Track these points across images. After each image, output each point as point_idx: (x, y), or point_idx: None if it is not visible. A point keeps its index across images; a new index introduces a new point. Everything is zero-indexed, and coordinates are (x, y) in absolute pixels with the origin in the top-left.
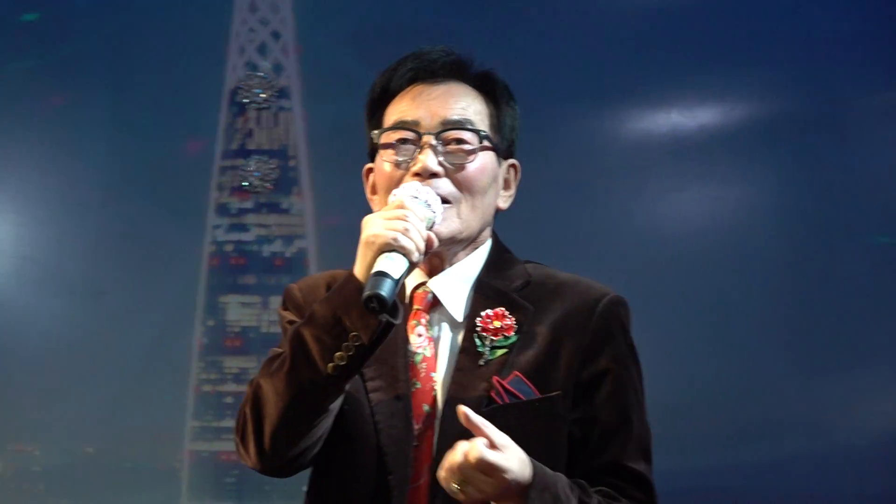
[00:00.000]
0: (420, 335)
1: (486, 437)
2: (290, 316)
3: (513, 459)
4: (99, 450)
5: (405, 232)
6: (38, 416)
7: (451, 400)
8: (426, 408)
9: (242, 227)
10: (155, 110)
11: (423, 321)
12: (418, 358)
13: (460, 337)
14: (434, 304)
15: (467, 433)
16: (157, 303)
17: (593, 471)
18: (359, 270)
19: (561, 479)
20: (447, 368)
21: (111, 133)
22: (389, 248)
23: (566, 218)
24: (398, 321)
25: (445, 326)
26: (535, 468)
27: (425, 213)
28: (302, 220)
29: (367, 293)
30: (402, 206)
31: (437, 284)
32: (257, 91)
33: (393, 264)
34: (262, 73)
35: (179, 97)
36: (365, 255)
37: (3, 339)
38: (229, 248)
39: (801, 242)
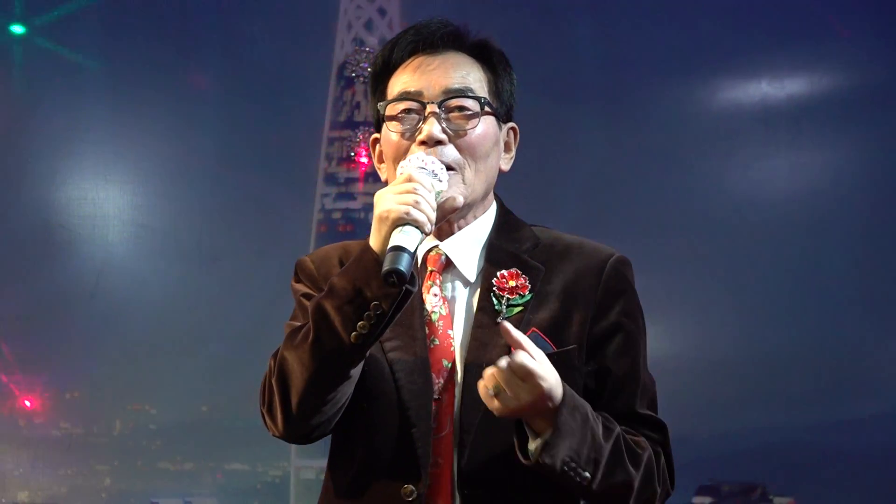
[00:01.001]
0: (435, 295)
1: (525, 349)
2: (303, 288)
3: (550, 372)
4: (212, 408)
5: (416, 205)
6: (155, 376)
7: (474, 356)
8: (445, 363)
9: (350, 196)
10: (267, 84)
11: (437, 282)
12: (435, 317)
13: (474, 296)
14: (447, 265)
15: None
16: (268, 268)
17: (611, 416)
18: (375, 243)
19: (587, 406)
20: (464, 325)
21: (225, 106)
22: (403, 221)
23: (659, 184)
24: (416, 289)
25: (458, 286)
26: (566, 388)
27: (433, 183)
28: None
29: (386, 268)
30: (410, 179)
31: (449, 247)
32: (364, 65)
33: (407, 238)
34: (368, 49)
35: (290, 72)
36: (380, 230)
37: (121, 304)
38: (337, 215)
39: (885, 208)
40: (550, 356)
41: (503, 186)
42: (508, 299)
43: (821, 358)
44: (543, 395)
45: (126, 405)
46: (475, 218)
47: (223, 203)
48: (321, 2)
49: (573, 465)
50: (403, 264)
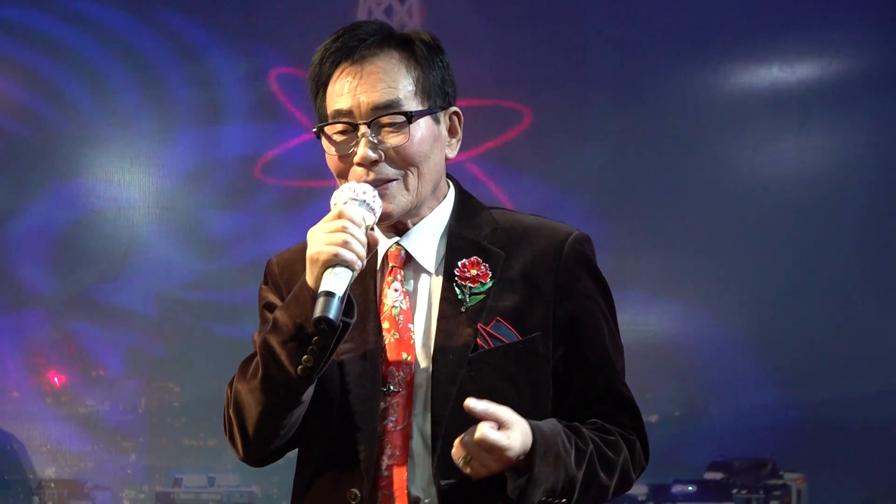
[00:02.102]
0: (396, 290)
1: (492, 418)
2: (268, 296)
3: (515, 437)
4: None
5: (345, 245)
6: (179, 355)
7: (439, 347)
8: (405, 356)
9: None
10: (286, 70)
11: (398, 277)
12: (396, 311)
13: (436, 286)
14: (407, 259)
15: (457, 377)
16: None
17: (583, 402)
18: (310, 281)
19: (559, 435)
20: (425, 317)
21: (248, 91)
22: (333, 263)
23: (672, 167)
24: (353, 320)
25: (420, 278)
26: (535, 434)
27: (364, 215)
28: None
29: (315, 316)
30: (340, 216)
31: (408, 241)
32: None
33: (337, 281)
34: None
35: (309, 60)
36: (311, 271)
37: (146, 285)
38: None
39: (891, 190)
40: (515, 345)
41: (521, 172)
42: (470, 288)
43: (830, 336)
44: (512, 460)
45: (151, 383)
46: (430, 209)
47: (247, 186)
48: None
49: (549, 499)
50: (331, 311)
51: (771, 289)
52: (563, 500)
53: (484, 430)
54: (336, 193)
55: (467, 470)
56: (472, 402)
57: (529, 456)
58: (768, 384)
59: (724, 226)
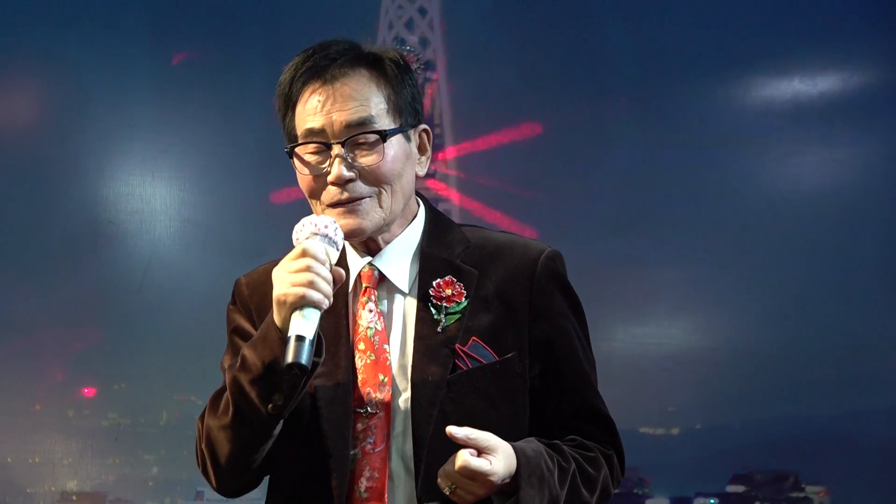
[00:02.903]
0: (371, 311)
1: (474, 446)
2: (237, 318)
3: (499, 462)
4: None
5: (311, 285)
6: (200, 368)
7: (417, 369)
8: (381, 377)
9: None
10: None
11: (372, 297)
12: (371, 332)
13: (409, 306)
14: (381, 279)
15: (436, 398)
16: None
17: (560, 419)
18: (278, 321)
19: (542, 456)
20: (401, 338)
21: (269, 104)
22: (300, 304)
23: (694, 180)
24: (322, 358)
25: (395, 299)
26: (519, 457)
27: (327, 251)
28: (446, 184)
29: (287, 362)
30: (304, 254)
31: (380, 261)
32: None
33: (306, 323)
34: (409, 48)
35: None
36: (279, 312)
37: (168, 297)
38: None
39: None
40: (493, 365)
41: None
42: (446, 308)
43: (852, 348)
44: (496, 485)
45: (173, 396)
46: (401, 228)
47: (268, 198)
48: (362, 3)
49: None
50: (303, 357)
51: (793, 301)
52: None
53: (465, 458)
54: (297, 228)
55: (455, 499)
56: (453, 430)
57: (514, 479)
58: (790, 397)
59: (746, 239)
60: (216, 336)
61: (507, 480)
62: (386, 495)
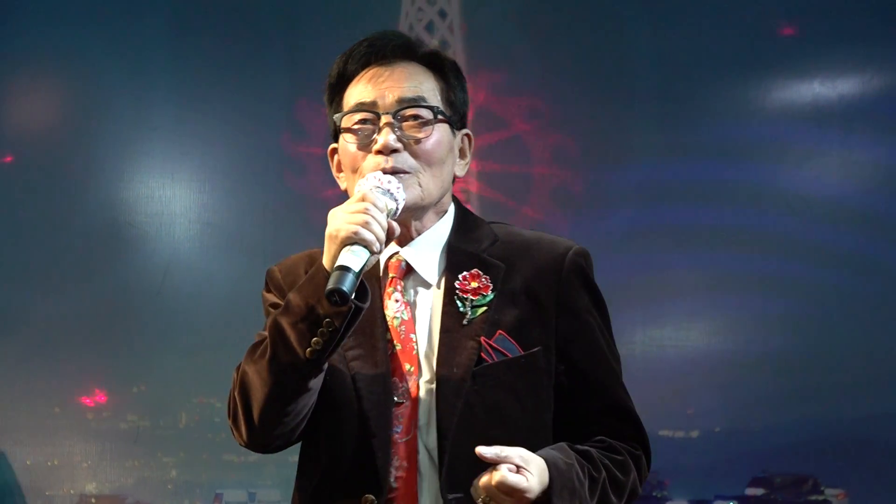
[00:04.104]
0: (397, 301)
1: (508, 462)
2: (272, 298)
3: (533, 477)
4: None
5: (366, 225)
6: (220, 371)
7: (443, 361)
8: (408, 367)
9: None
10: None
11: (398, 288)
12: (397, 322)
13: (436, 299)
14: (408, 270)
15: (461, 390)
16: None
17: (588, 416)
18: (326, 261)
19: (574, 467)
20: (427, 329)
21: (289, 106)
22: (351, 241)
23: (714, 183)
24: (367, 305)
25: (420, 290)
26: (551, 471)
27: (387, 203)
28: (466, 183)
29: (328, 288)
30: (363, 199)
31: (409, 252)
32: None
33: (354, 257)
34: None
35: None
36: (329, 249)
37: (187, 300)
38: None
39: None
40: (518, 359)
41: (559, 188)
42: (472, 300)
43: (872, 352)
44: (528, 500)
45: (192, 398)
46: (433, 222)
47: (288, 201)
48: (382, 4)
49: None
50: (346, 284)
51: (813, 304)
52: None
53: (504, 474)
54: (360, 181)
55: None
56: (482, 450)
57: (546, 493)
58: (810, 400)
59: (765, 242)
60: (235, 338)
61: (541, 496)
62: (416, 485)
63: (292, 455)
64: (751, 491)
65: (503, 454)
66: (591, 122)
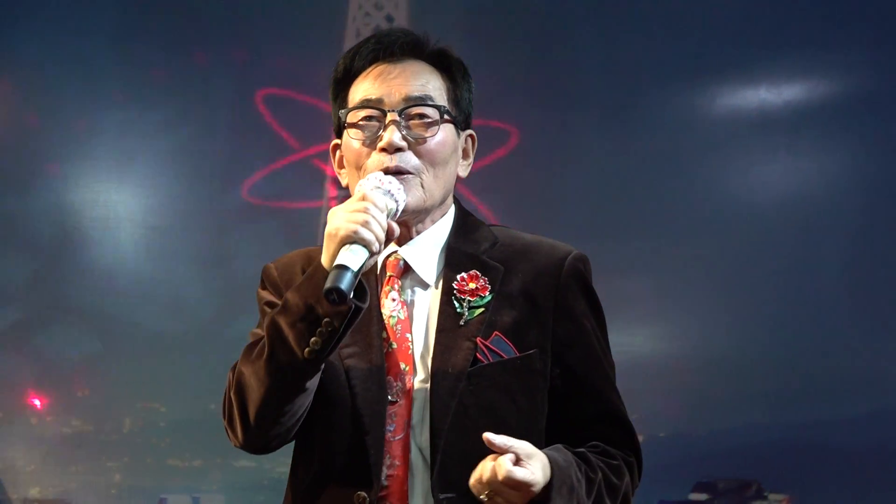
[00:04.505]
0: (394, 300)
1: (513, 452)
2: (267, 296)
3: (537, 470)
4: (220, 406)
5: (365, 224)
6: (164, 375)
7: (438, 361)
8: (403, 366)
9: None
10: (277, 89)
11: (395, 287)
12: (393, 321)
13: (433, 299)
14: (405, 270)
15: (456, 390)
16: None
17: (583, 420)
18: (325, 261)
19: (572, 466)
20: (424, 329)
21: (236, 111)
22: (351, 240)
23: (660, 188)
24: (366, 305)
25: (418, 290)
26: (552, 467)
27: (387, 203)
28: None
29: (326, 287)
30: (364, 198)
31: (408, 251)
32: None
33: (353, 256)
34: None
35: (299, 77)
36: (328, 247)
37: (132, 304)
38: None
39: (880, 212)
40: (514, 360)
41: (508, 191)
42: (469, 301)
43: (815, 357)
44: (533, 493)
45: (136, 403)
46: (433, 222)
47: (234, 206)
48: (330, 9)
49: None
50: (344, 283)
51: (758, 310)
52: None
53: (509, 468)
54: (361, 182)
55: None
56: (491, 437)
57: (546, 489)
58: (754, 405)
59: (712, 247)
60: (180, 344)
61: (541, 491)
62: (407, 484)
63: (236, 460)
64: (694, 496)
65: (510, 444)
66: (539, 128)
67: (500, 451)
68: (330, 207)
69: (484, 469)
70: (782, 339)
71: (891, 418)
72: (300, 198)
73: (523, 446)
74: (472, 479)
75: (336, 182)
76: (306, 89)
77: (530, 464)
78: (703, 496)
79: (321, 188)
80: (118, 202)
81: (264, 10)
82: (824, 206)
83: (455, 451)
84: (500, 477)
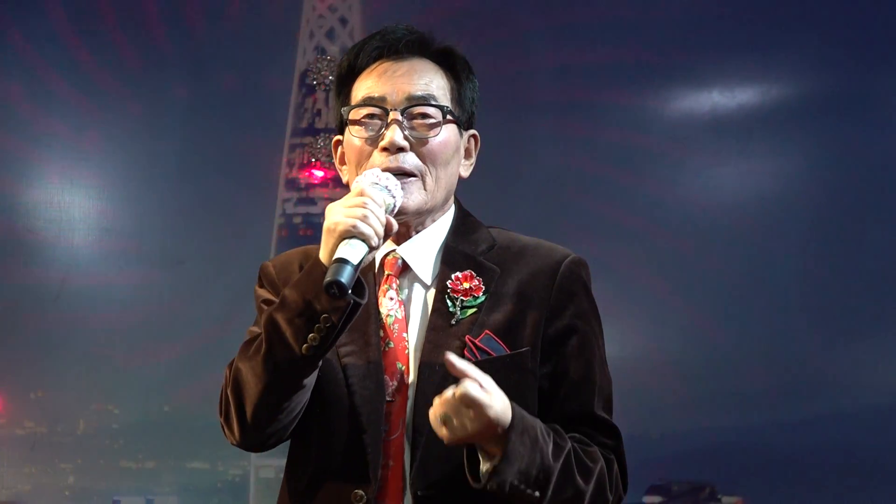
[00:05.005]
0: (392, 298)
1: (473, 379)
2: (265, 294)
3: (496, 399)
4: (174, 409)
5: (364, 219)
6: (118, 377)
7: (427, 358)
8: (399, 366)
9: (310, 201)
10: (229, 91)
11: (393, 285)
12: (390, 320)
13: (430, 298)
14: (404, 268)
15: (443, 388)
16: (230, 271)
17: (564, 420)
18: (323, 256)
19: (539, 424)
20: (419, 328)
21: (188, 112)
22: (349, 234)
23: (612, 191)
24: (364, 301)
25: (415, 289)
26: (515, 412)
27: (385, 199)
28: None
29: (326, 280)
30: (362, 194)
31: (406, 250)
32: (326, 73)
33: (352, 251)
34: (330, 57)
35: (253, 79)
36: (327, 242)
37: (86, 306)
38: (298, 220)
39: (832, 214)
40: (503, 358)
41: (461, 193)
42: (462, 301)
43: (769, 360)
44: (491, 423)
45: (90, 405)
46: (433, 222)
47: (187, 207)
48: (284, 11)
49: (521, 486)
50: (344, 276)
51: (711, 313)
52: (537, 494)
53: (468, 386)
54: (358, 178)
55: (443, 431)
56: (452, 358)
57: (506, 432)
58: (707, 408)
59: (665, 249)
60: (134, 346)
61: (500, 431)
62: (402, 482)
63: (190, 462)
64: (648, 499)
65: (471, 370)
66: (493, 132)
67: (460, 375)
68: (284, 210)
69: (444, 391)
70: (736, 342)
71: (843, 421)
72: (250, 201)
73: (485, 377)
74: (432, 407)
75: (292, 183)
76: (260, 89)
77: (491, 394)
78: (656, 499)
79: (273, 192)
80: (71, 204)
81: (215, 12)
82: (777, 207)
83: (436, 449)
84: (458, 393)
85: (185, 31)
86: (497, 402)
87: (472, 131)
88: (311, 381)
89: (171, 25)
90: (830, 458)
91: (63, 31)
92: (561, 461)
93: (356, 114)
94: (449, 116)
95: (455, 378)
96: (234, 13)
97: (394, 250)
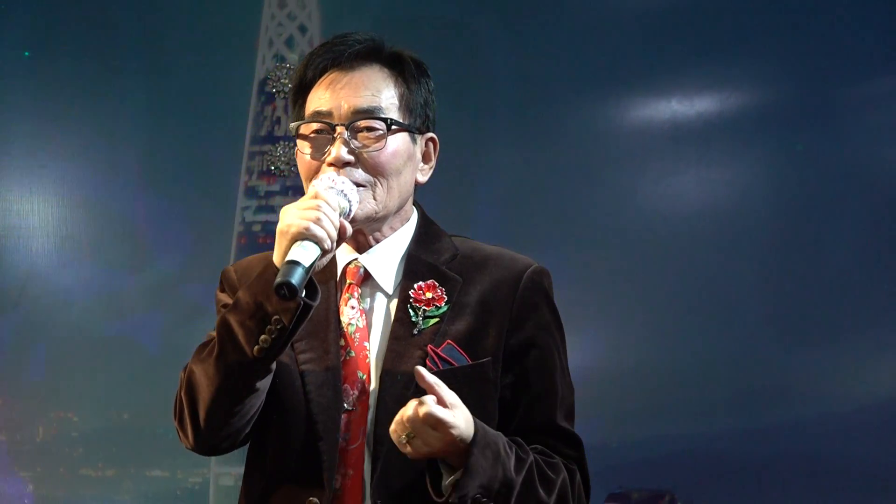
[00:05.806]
0: (353, 307)
1: (437, 395)
2: (224, 298)
3: (459, 417)
4: (134, 416)
5: (317, 221)
6: (78, 384)
7: (388, 368)
8: (360, 375)
9: (270, 209)
10: (189, 99)
11: (355, 294)
12: (352, 329)
13: (392, 308)
14: (366, 277)
15: (404, 398)
16: (190, 279)
17: (525, 431)
18: (276, 258)
19: (501, 438)
20: (380, 337)
21: (148, 120)
22: (302, 236)
23: (571, 199)
24: (316, 303)
25: (377, 298)
26: (477, 427)
27: (339, 202)
28: None
29: (277, 281)
30: (317, 196)
31: (368, 259)
32: (285, 81)
33: (304, 252)
34: (289, 65)
35: (212, 87)
36: (280, 244)
37: (45, 313)
38: (257, 227)
39: (790, 223)
40: (465, 368)
41: (420, 200)
42: (425, 311)
43: (729, 369)
44: (454, 440)
45: (49, 412)
46: (392, 230)
47: (147, 215)
48: (242, 18)
49: (483, 500)
50: (294, 277)
51: (670, 321)
52: None
53: (431, 406)
54: (314, 182)
55: (407, 449)
56: (422, 371)
57: (468, 447)
58: (667, 416)
59: (624, 258)
60: (93, 353)
61: (462, 445)
62: (360, 492)
63: (150, 470)
64: None
65: (438, 385)
66: (450, 139)
67: (428, 390)
68: (243, 218)
69: (406, 408)
70: (696, 351)
71: (804, 430)
72: (209, 209)
73: (451, 394)
74: (393, 423)
75: (251, 191)
76: (219, 97)
77: (454, 411)
78: None
79: (233, 200)
80: (30, 211)
81: (175, 20)
82: (737, 217)
83: (397, 460)
84: (420, 413)
85: (143, 39)
86: (460, 420)
87: (430, 135)
88: (264, 384)
89: (130, 33)
90: (791, 466)
91: (22, 38)
92: (523, 474)
93: (305, 129)
94: (395, 126)
95: (417, 388)
96: (193, 21)
97: (356, 259)
